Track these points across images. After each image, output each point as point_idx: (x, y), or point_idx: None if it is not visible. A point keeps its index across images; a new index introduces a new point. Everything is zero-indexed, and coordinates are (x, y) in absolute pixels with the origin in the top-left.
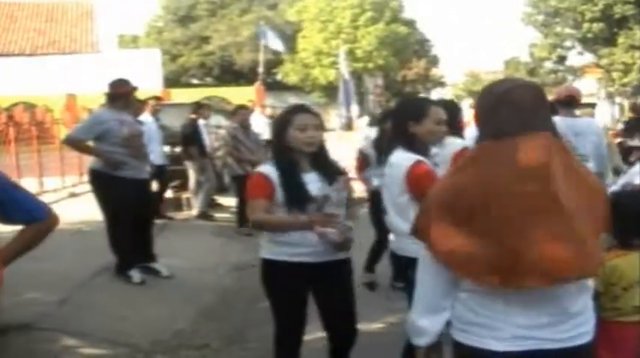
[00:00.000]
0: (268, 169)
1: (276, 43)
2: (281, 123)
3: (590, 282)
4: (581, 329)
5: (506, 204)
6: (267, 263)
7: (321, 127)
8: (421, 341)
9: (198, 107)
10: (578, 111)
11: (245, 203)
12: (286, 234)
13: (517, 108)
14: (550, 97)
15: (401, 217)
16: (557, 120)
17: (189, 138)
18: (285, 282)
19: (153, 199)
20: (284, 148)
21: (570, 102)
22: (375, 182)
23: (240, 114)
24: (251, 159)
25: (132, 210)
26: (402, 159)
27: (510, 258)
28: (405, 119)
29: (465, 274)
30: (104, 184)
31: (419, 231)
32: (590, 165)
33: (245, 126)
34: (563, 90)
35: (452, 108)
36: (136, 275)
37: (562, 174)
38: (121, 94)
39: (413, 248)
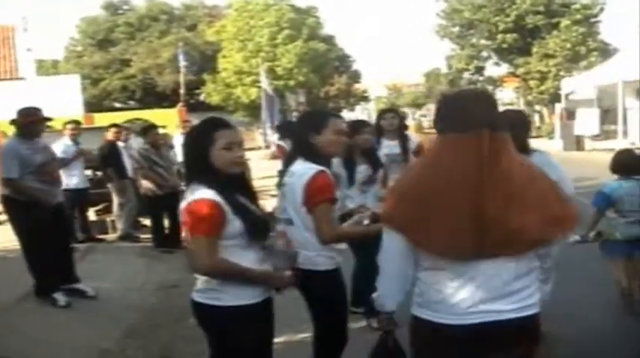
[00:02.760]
0: (211, 194)
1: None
2: (201, 140)
3: (536, 261)
4: (528, 301)
5: (457, 186)
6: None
7: (243, 144)
8: (384, 308)
9: (115, 129)
10: None
11: (159, 222)
12: None
13: (460, 109)
14: None
15: (308, 230)
16: None
17: (107, 161)
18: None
19: (70, 222)
20: (212, 169)
21: None
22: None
23: (152, 134)
24: (167, 179)
25: (47, 234)
26: (304, 168)
27: (473, 232)
28: (305, 130)
29: (429, 251)
30: (17, 210)
31: (386, 217)
32: None
33: (156, 146)
34: None
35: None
36: (60, 298)
37: (502, 161)
38: (26, 123)
39: (320, 260)
